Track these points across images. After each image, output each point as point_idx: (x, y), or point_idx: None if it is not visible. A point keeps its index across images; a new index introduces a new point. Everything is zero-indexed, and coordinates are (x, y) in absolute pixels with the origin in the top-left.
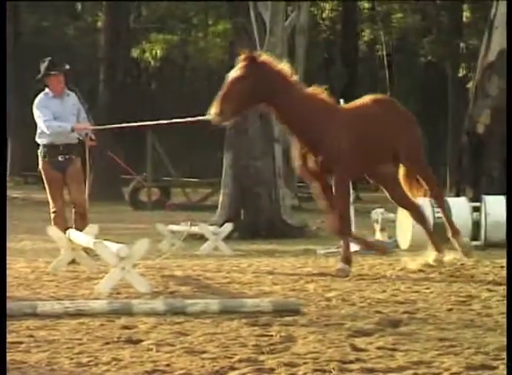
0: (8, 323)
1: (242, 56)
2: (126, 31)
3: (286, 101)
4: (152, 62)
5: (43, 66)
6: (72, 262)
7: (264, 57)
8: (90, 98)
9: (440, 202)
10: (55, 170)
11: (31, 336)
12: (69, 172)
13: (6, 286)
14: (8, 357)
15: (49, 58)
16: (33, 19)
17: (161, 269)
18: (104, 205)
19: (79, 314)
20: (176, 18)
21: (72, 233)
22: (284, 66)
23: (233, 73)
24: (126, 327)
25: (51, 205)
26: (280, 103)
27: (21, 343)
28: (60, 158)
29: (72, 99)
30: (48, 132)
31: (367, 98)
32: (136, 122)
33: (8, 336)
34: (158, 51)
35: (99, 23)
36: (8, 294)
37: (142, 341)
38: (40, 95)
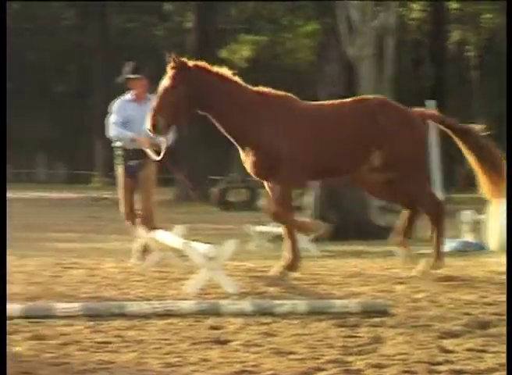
0: (96, 323)
1: (171, 64)
2: (215, 32)
3: (221, 105)
4: (241, 63)
5: (126, 70)
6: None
7: (196, 62)
8: None
9: (434, 223)
10: (126, 174)
11: (119, 336)
12: (140, 177)
13: (6, 286)
14: (97, 357)
15: (132, 61)
16: (120, 19)
17: (249, 270)
18: (192, 206)
19: (167, 314)
20: (263, 19)
21: (160, 234)
22: (221, 70)
23: (163, 83)
24: (213, 328)
25: (120, 208)
26: (216, 108)
27: (109, 343)
28: (131, 163)
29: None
30: (111, 135)
31: (351, 99)
32: None
33: (96, 336)
34: (247, 52)
35: (187, 24)
36: (96, 295)
37: (230, 341)
38: (120, 98)
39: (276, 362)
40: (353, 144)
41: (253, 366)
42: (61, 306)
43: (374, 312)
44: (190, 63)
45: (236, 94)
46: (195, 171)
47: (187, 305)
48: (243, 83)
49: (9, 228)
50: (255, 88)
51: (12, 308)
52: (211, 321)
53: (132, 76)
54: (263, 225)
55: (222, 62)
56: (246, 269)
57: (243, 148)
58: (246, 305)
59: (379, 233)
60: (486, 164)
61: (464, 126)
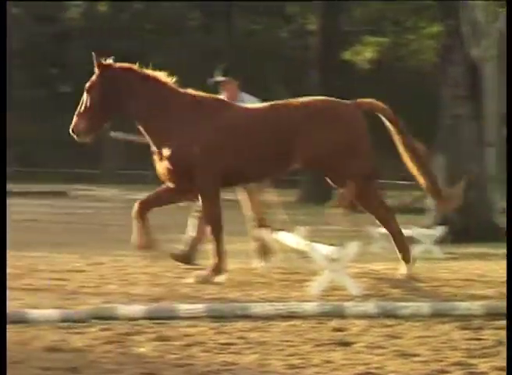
0: (219, 324)
1: (96, 65)
2: (338, 34)
3: (140, 107)
4: (364, 65)
5: (217, 72)
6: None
7: (122, 64)
8: None
9: (388, 227)
10: None
11: (243, 337)
12: None
13: (6, 287)
14: (220, 358)
15: (224, 63)
16: (245, 21)
17: (372, 272)
18: (314, 207)
19: (290, 316)
20: (387, 20)
21: (282, 235)
22: (151, 72)
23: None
24: (337, 330)
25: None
26: (134, 111)
27: (232, 344)
28: None
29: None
30: None
31: (295, 100)
32: None
33: (220, 337)
34: (370, 54)
35: (311, 26)
36: (220, 296)
37: (353, 343)
38: None
39: (400, 364)
40: (270, 149)
41: (376, 368)
42: (185, 307)
43: (498, 315)
44: (114, 65)
45: (158, 97)
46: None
47: (310, 307)
48: (173, 86)
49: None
50: (185, 91)
51: (135, 309)
52: (334, 323)
53: (221, 78)
54: None
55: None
56: (369, 271)
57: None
58: (369, 307)
59: (503, 236)
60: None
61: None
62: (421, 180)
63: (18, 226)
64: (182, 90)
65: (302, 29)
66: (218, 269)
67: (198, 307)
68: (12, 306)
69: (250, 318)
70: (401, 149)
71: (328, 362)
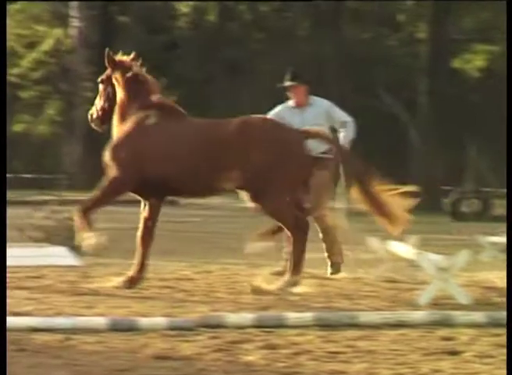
0: (327, 332)
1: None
2: (448, 42)
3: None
4: (473, 73)
5: (286, 77)
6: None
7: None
8: (410, 109)
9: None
10: None
11: (351, 346)
12: (312, 184)
13: (6, 287)
14: (328, 367)
15: (291, 68)
16: (354, 30)
17: (481, 281)
18: (423, 216)
19: (399, 325)
20: (497, 28)
21: (393, 243)
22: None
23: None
24: (445, 339)
25: None
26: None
27: (341, 353)
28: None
29: (316, 109)
30: None
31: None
32: (461, 133)
33: (328, 346)
34: (480, 62)
35: (420, 34)
36: (328, 305)
37: (462, 352)
38: (281, 105)
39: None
40: (199, 164)
41: None
42: (293, 316)
43: None
44: (122, 59)
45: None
46: (427, 181)
47: (419, 316)
48: (149, 88)
49: (241, 238)
50: (157, 96)
51: (244, 317)
52: (443, 332)
53: (289, 83)
54: (496, 235)
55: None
56: (478, 280)
57: None
58: (478, 316)
59: None
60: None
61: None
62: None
63: (127, 234)
64: (156, 94)
65: (411, 37)
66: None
67: (306, 315)
68: (120, 314)
69: (358, 326)
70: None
71: (436, 371)
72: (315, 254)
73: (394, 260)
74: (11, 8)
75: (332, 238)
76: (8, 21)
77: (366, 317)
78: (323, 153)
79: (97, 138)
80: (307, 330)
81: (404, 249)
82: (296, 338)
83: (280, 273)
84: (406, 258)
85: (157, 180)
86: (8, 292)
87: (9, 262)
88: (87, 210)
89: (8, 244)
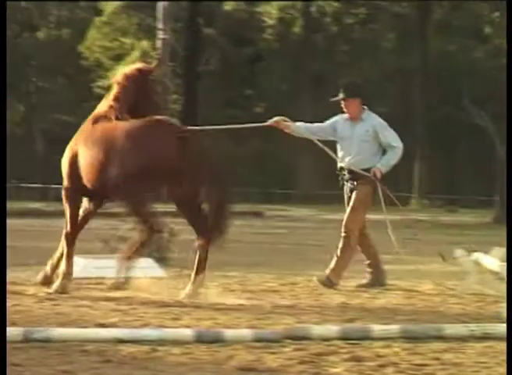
0: (413, 345)
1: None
2: None
3: None
4: None
5: (340, 90)
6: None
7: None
8: (497, 122)
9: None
10: (345, 192)
11: (437, 359)
12: (352, 197)
13: (6, 288)
14: None
15: (345, 81)
16: (440, 42)
17: None
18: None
19: (485, 337)
20: None
21: (479, 255)
22: None
23: None
24: None
25: None
26: None
27: (427, 365)
28: (344, 182)
29: (366, 126)
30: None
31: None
32: None
33: (414, 358)
34: None
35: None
36: (414, 317)
37: None
38: (339, 115)
39: None
40: (97, 167)
41: None
42: (378, 328)
43: None
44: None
45: None
46: None
47: (505, 329)
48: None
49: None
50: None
51: (329, 329)
52: None
53: (342, 96)
54: None
55: None
56: None
57: None
58: None
59: None
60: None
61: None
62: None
63: (214, 245)
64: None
65: (498, 49)
66: None
67: (392, 328)
68: (206, 326)
69: (444, 339)
70: None
71: None
72: (401, 266)
73: (481, 272)
74: (97, 20)
75: (343, 255)
76: (95, 33)
77: (452, 329)
78: (366, 169)
79: None
80: (393, 343)
81: (490, 261)
82: (382, 350)
83: (365, 285)
84: (492, 271)
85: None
86: (94, 303)
87: (95, 273)
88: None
89: (93, 256)
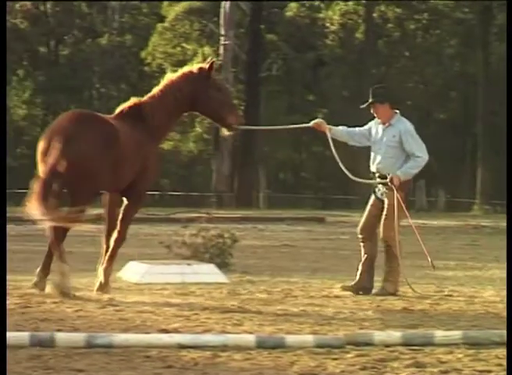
0: (476, 351)
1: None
2: None
3: None
4: None
5: (371, 95)
6: None
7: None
8: None
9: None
10: (375, 199)
11: (500, 365)
12: (385, 204)
13: (6, 289)
14: None
15: (375, 86)
16: (504, 47)
17: None
18: None
19: None
20: None
21: None
22: None
23: None
24: None
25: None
26: None
27: (490, 371)
28: (375, 188)
29: (393, 131)
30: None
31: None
32: None
33: (476, 364)
34: None
35: None
36: (476, 323)
37: None
38: (374, 120)
39: None
40: None
41: None
42: (440, 334)
43: None
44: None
45: None
46: None
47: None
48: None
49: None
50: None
51: (391, 335)
52: None
53: (371, 100)
54: None
55: None
56: None
57: None
58: None
59: None
60: None
61: None
62: None
63: (275, 251)
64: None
65: None
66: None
67: (455, 334)
68: (268, 331)
69: (505, 345)
70: None
71: None
72: (462, 272)
73: None
74: (159, 26)
75: (391, 265)
76: (157, 39)
77: None
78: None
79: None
80: (456, 349)
81: None
82: (444, 356)
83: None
84: None
85: None
86: (156, 309)
87: (157, 279)
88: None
89: (155, 261)
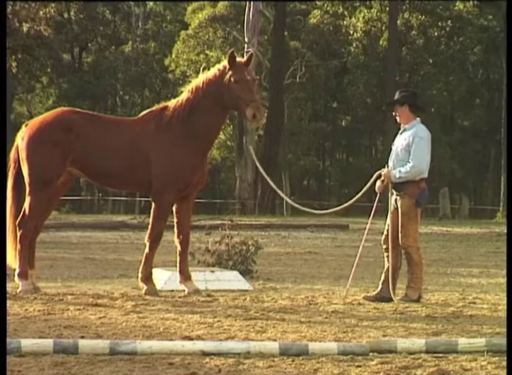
0: (500, 359)
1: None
2: None
3: None
4: None
5: (395, 97)
6: None
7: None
8: None
9: None
10: (394, 208)
11: None
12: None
13: (6, 289)
14: None
15: (403, 89)
16: None
17: None
18: None
19: None
20: None
21: None
22: None
23: None
24: None
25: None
26: None
27: None
28: (389, 192)
29: (407, 134)
30: None
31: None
32: None
33: (500, 372)
34: None
35: None
36: (499, 330)
37: None
38: None
39: None
40: None
41: None
42: (464, 341)
43: None
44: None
45: None
46: None
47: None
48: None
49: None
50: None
51: (415, 342)
52: None
53: (391, 103)
54: None
55: None
56: None
57: None
58: None
59: None
60: None
61: None
62: None
63: (300, 258)
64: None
65: None
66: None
67: (478, 341)
68: (291, 339)
69: None
70: None
71: None
72: (486, 279)
73: None
74: (183, 33)
75: (414, 271)
76: (181, 47)
77: None
78: (408, 182)
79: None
80: (479, 356)
81: None
82: (468, 364)
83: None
84: None
85: None
86: (179, 316)
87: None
88: None
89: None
